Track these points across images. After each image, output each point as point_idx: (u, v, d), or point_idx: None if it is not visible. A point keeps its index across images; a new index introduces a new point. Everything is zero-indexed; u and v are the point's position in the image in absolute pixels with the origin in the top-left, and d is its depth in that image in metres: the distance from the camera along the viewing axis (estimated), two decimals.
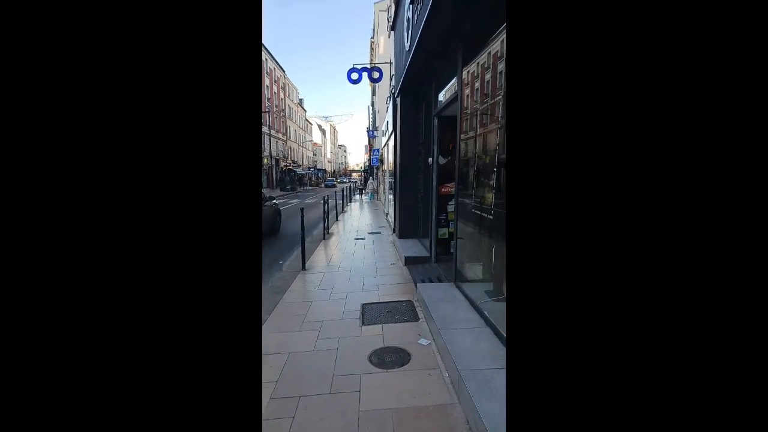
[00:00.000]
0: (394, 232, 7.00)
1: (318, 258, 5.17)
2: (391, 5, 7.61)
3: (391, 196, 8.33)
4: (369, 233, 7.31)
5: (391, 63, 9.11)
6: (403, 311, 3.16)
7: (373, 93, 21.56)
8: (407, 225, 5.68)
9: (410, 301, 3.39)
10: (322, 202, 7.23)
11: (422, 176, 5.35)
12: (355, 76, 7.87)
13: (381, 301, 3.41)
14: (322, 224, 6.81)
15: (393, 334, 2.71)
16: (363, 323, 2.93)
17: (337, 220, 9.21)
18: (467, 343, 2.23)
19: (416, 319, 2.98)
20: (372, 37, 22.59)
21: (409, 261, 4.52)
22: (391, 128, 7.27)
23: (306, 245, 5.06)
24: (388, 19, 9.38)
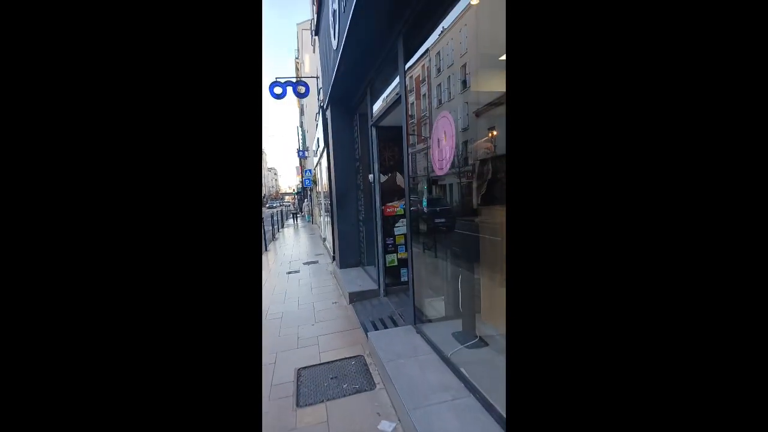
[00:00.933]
0: (333, 260, 6.20)
1: None
2: (313, 8, 7.07)
3: (328, 218, 7.55)
4: (304, 263, 6.39)
5: (318, 77, 8.52)
6: (353, 375, 2.40)
7: (302, 113, 20.78)
8: (348, 253, 4.96)
9: (361, 356, 2.64)
10: None
11: (362, 196, 4.73)
12: (278, 90, 7.06)
13: (322, 361, 2.60)
14: None
15: (343, 419, 1.93)
16: (298, 404, 2.10)
17: (266, 250, 8.07)
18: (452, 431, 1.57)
19: (371, 386, 2.25)
20: (297, 58, 22.00)
21: (355, 297, 3.78)
22: (322, 145, 6.59)
23: None
24: (311, 29, 8.87)
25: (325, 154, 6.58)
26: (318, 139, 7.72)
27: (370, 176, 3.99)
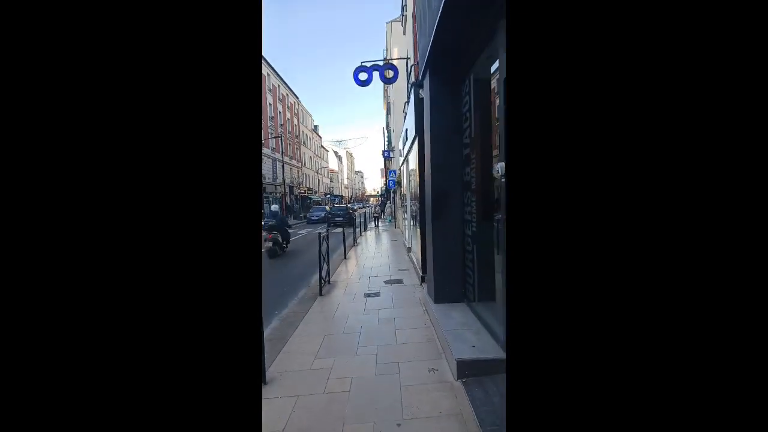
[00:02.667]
0: (422, 281, 4.77)
1: (298, 353, 2.98)
2: None
3: (413, 224, 6.21)
4: (386, 282, 5.11)
5: (408, 58, 7.27)
6: None
7: (388, 112, 20.07)
8: (448, 281, 3.46)
9: None
10: (326, 233, 5.17)
11: (473, 199, 3.19)
12: (363, 76, 5.99)
13: None
14: (320, 269, 4.69)
15: None
16: None
17: (345, 257, 7.09)
18: None
19: None
20: (384, 57, 21.49)
21: (467, 369, 2.27)
22: (411, 135, 5.24)
23: (289, 311, 2.90)
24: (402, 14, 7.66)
25: (415, 145, 5.24)
26: (406, 130, 6.42)
27: (498, 167, 2.43)
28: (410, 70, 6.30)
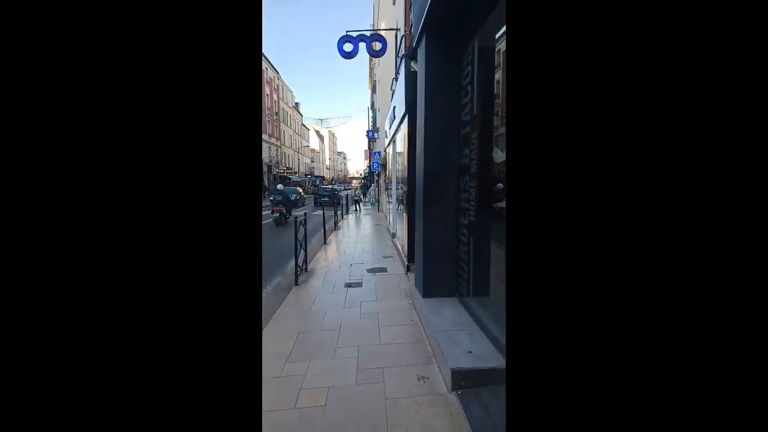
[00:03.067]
0: (408, 270, 4.48)
1: (266, 355, 2.61)
2: None
3: (400, 209, 5.85)
4: (369, 270, 4.79)
5: (397, 30, 6.71)
6: None
7: (374, 91, 19.31)
8: (439, 274, 3.15)
9: None
10: (303, 219, 4.74)
11: (472, 183, 2.85)
12: (348, 47, 5.44)
13: None
14: (296, 256, 4.28)
15: None
16: None
17: (325, 242, 6.70)
18: None
19: None
20: (372, 28, 20.41)
21: (463, 380, 1.98)
22: (401, 111, 4.80)
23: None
24: None
25: (404, 125, 4.82)
26: (394, 108, 5.97)
27: (500, 150, 2.08)
28: (400, 42, 5.79)
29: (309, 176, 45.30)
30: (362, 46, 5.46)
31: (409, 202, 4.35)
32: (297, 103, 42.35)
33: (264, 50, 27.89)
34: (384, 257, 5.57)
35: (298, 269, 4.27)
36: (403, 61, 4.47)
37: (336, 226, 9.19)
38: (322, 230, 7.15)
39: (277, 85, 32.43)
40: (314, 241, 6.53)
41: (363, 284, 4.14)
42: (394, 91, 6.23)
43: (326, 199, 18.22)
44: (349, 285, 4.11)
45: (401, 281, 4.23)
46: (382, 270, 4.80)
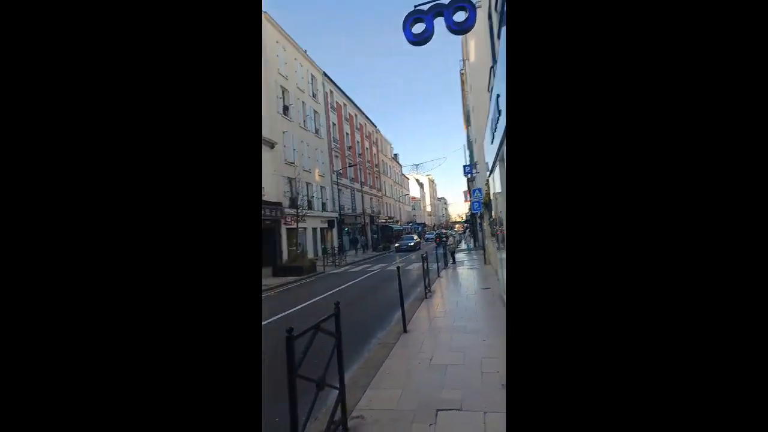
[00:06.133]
0: None
1: None
2: None
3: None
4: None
5: None
6: None
7: (467, 122, 17.57)
8: None
9: None
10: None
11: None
12: (419, 27, 3.76)
13: None
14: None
15: None
16: None
17: (405, 328, 4.57)
18: None
19: None
20: (462, 69, 19.27)
21: None
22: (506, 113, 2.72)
23: None
24: None
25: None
26: (497, 114, 3.91)
27: None
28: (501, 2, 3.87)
29: (411, 224, 44.84)
30: (439, 23, 3.69)
31: None
32: (396, 155, 43.74)
33: (361, 105, 29.72)
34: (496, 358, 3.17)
35: (339, 413, 2.32)
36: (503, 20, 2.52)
37: (428, 291, 6.42)
38: (400, 306, 4.98)
39: (376, 139, 33.94)
40: (383, 337, 4.17)
41: None
42: (492, 90, 4.24)
43: (408, 245, 20.93)
44: None
45: None
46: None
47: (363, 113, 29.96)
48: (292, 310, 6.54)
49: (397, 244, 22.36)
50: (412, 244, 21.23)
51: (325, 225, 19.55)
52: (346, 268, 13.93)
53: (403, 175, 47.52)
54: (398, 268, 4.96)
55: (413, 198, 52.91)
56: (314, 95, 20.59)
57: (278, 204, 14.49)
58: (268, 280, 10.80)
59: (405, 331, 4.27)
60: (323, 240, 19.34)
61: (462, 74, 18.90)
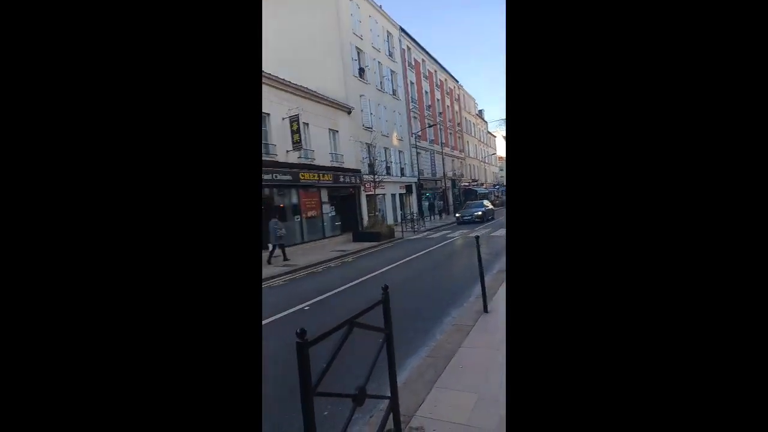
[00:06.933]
0: None
1: None
2: None
3: None
4: None
5: None
6: None
7: None
8: None
9: None
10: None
11: None
12: None
13: None
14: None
15: None
16: None
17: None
18: None
19: None
20: None
21: None
22: None
23: None
24: None
25: None
26: None
27: None
28: None
29: (497, 186, 41.44)
30: None
31: None
32: (480, 111, 40.05)
33: (441, 60, 27.37)
34: None
35: None
36: None
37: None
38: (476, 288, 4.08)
39: (458, 95, 31.32)
40: (458, 316, 3.80)
41: None
42: None
43: (474, 215, 15.23)
44: None
45: None
46: None
47: (443, 68, 27.64)
48: (357, 281, 6.37)
49: (458, 214, 16.46)
50: (480, 213, 15.27)
51: (404, 191, 19.18)
52: (425, 233, 13.55)
53: (489, 132, 43.51)
54: (477, 238, 4.18)
55: (501, 158, 48.49)
56: (390, 54, 19.52)
57: (357, 171, 14.54)
58: (348, 245, 11.13)
59: (485, 311, 3.62)
60: (402, 206, 19.10)
61: None
